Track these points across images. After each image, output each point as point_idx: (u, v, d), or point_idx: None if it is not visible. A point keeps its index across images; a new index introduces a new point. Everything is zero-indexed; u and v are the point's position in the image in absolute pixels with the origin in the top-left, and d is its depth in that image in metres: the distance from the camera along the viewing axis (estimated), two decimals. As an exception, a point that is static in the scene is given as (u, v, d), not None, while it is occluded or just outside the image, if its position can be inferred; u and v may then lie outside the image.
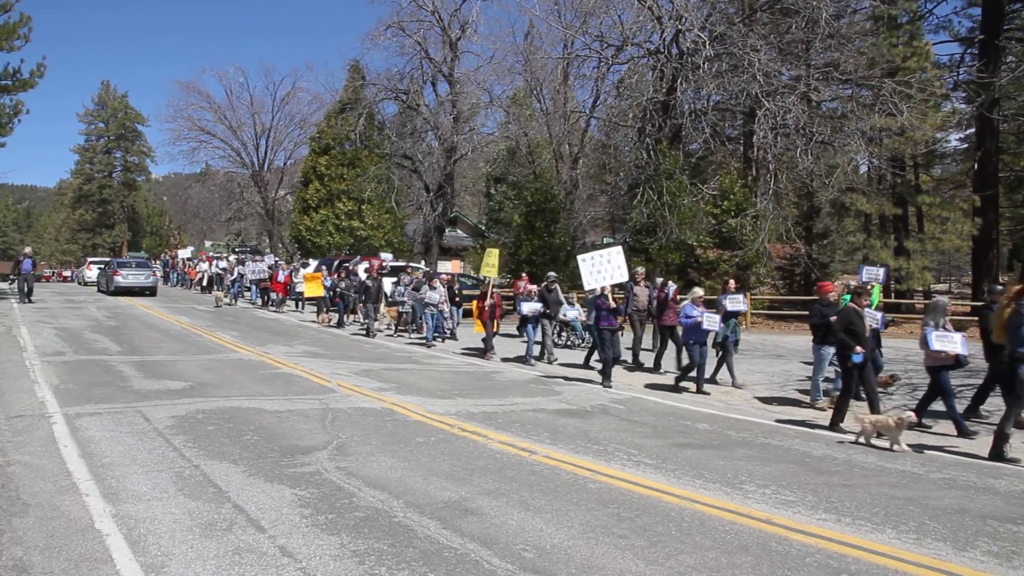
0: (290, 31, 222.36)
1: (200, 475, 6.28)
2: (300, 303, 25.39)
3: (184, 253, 41.19)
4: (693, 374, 11.90)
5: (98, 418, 8.32)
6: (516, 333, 18.82)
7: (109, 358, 13.03)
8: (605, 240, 35.27)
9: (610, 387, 11.88)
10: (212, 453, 6.99)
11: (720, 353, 12.73)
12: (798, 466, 7.31)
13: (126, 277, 29.36)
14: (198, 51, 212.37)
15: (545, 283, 16.03)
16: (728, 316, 12.54)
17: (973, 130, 26.21)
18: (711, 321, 11.60)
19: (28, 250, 25.93)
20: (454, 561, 4.60)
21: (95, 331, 16.96)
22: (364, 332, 19.10)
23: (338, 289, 21.28)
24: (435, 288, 17.55)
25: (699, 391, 11.72)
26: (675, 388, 11.97)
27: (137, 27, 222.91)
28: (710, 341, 12.47)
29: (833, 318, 9.94)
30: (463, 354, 15.96)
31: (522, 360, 14.93)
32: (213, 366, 12.62)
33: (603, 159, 32.00)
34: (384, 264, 23.73)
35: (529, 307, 14.96)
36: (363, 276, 21.46)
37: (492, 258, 16.75)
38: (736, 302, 13.00)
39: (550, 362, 15.02)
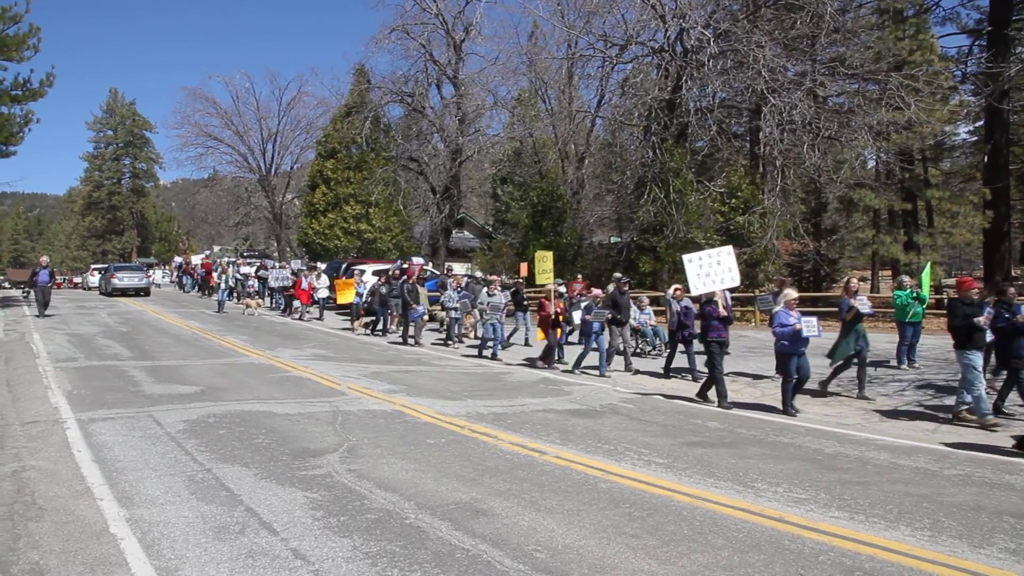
0: (295, 36, 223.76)
1: (212, 479, 6.31)
2: (321, 309, 23.77)
3: (198, 259, 41.07)
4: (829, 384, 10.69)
5: (111, 423, 8.37)
6: (574, 341, 16.85)
7: (121, 363, 13.10)
8: (612, 239, 35.22)
9: (729, 408, 10.26)
10: (224, 457, 7.02)
11: (849, 363, 11.32)
12: (810, 463, 7.27)
13: (122, 279, 32.75)
14: (203, 57, 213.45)
15: (615, 285, 14.65)
16: (857, 320, 11.15)
17: (982, 122, 26.02)
18: (810, 327, 9.81)
19: (44, 259, 23.50)
20: (466, 562, 4.60)
21: (106, 337, 17.06)
22: (401, 340, 17.81)
23: (378, 294, 19.70)
24: (494, 295, 15.92)
25: (785, 411, 9.92)
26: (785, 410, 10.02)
27: (143, 33, 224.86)
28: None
29: (980, 319, 8.87)
30: (522, 364, 14.66)
31: (590, 371, 13.47)
32: (223, 370, 12.67)
33: (609, 158, 31.99)
34: (424, 268, 22.62)
35: (597, 314, 13.40)
36: (373, 280, 21.16)
37: (547, 263, 14.97)
38: (864, 304, 11.36)
39: (633, 372, 13.70)
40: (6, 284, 70.33)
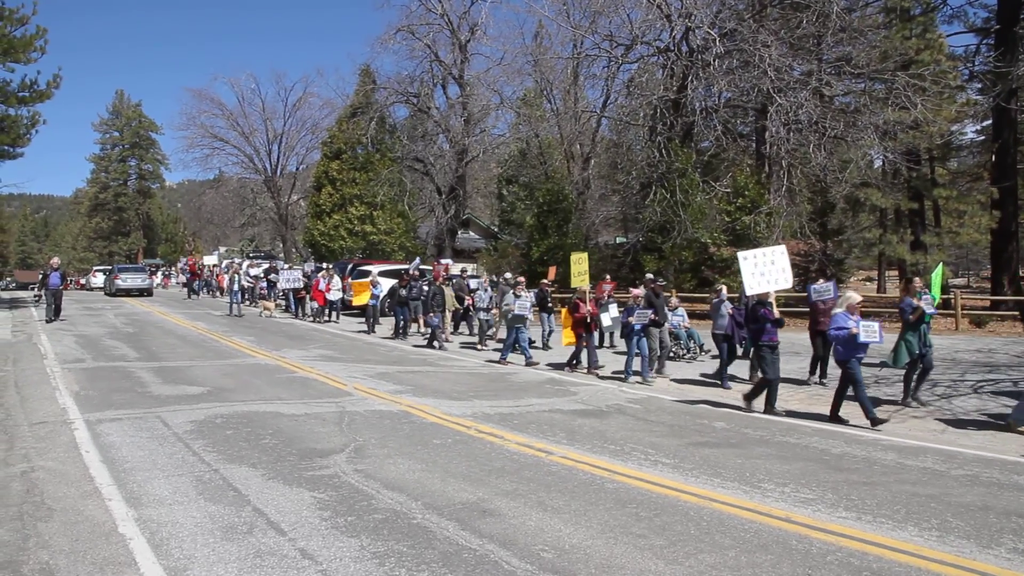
0: (301, 37, 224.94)
1: (220, 479, 6.33)
2: (334, 312, 22.93)
3: (210, 259, 40.56)
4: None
5: (118, 424, 8.40)
6: (606, 345, 16.82)
7: (128, 364, 13.15)
8: (618, 239, 35.20)
9: (777, 415, 9.83)
10: (231, 457, 7.04)
11: (914, 368, 10.67)
12: (817, 464, 7.26)
13: (124, 280, 34.45)
14: (209, 58, 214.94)
15: (652, 285, 14.05)
16: (921, 320, 10.48)
17: (990, 122, 25.97)
18: (870, 332, 9.23)
19: (55, 261, 22.14)
20: (473, 562, 4.60)
21: (113, 338, 17.13)
22: (427, 343, 17.25)
23: (397, 295, 19.01)
24: (520, 296, 15.00)
25: (874, 422, 9.07)
26: (834, 418, 9.56)
27: (148, 35, 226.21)
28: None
29: None
30: (548, 369, 14.16)
31: (621, 377, 12.89)
32: (230, 371, 12.70)
33: (615, 158, 31.97)
34: (449, 268, 21.31)
35: (639, 315, 12.57)
36: (379, 280, 21.01)
37: (582, 265, 14.33)
38: (928, 303, 10.64)
39: (660, 374, 13.04)
40: (13, 285, 70.71)
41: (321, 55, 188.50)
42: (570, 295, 14.62)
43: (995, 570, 4.65)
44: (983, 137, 28.82)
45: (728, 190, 24.63)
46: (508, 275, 17.13)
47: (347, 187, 41.00)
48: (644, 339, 12.66)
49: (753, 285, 10.45)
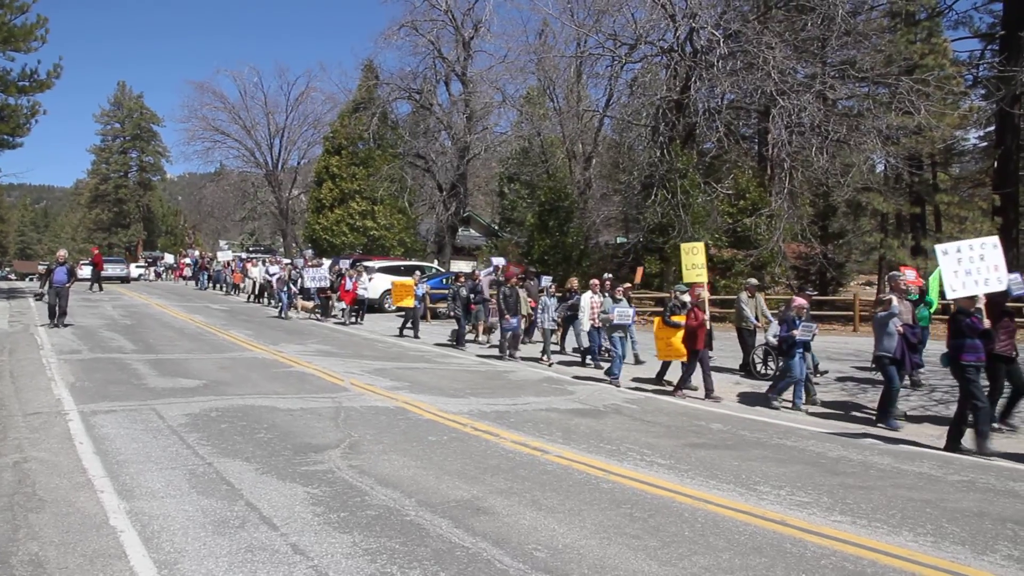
0: (304, 31, 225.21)
1: (213, 473, 6.30)
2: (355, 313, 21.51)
3: (225, 255, 38.43)
4: None
5: (113, 416, 8.37)
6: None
7: (124, 356, 13.12)
8: (618, 239, 35.14)
9: (991, 456, 7.84)
10: (225, 451, 7.02)
11: None
12: (813, 467, 7.23)
13: (106, 269, 38.91)
14: (212, 51, 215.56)
15: (800, 294, 12.23)
16: None
17: (993, 127, 25.91)
18: None
19: (62, 253, 18.78)
20: (466, 560, 4.58)
21: (111, 329, 17.09)
22: (499, 353, 15.53)
23: (460, 298, 17.33)
24: (620, 301, 13.37)
25: None
26: None
27: (151, 26, 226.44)
28: None
29: None
30: (632, 384, 12.40)
31: (766, 403, 10.95)
32: (227, 364, 12.67)
33: (616, 158, 31.95)
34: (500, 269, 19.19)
35: (805, 329, 10.80)
36: (365, 275, 20.51)
37: (698, 256, 11.87)
38: None
39: (810, 401, 10.99)
40: (12, 276, 70.72)
41: (324, 50, 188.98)
42: (665, 298, 12.62)
43: (990, 577, 4.62)
44: (986, 143, 28.74)
45: (730, 192, 24.60)
46: (608, 275, 15.46)
47: (348, 182, 40.97)
48: (802, 359, 10.87)
49: (956, 287, 8.41)
